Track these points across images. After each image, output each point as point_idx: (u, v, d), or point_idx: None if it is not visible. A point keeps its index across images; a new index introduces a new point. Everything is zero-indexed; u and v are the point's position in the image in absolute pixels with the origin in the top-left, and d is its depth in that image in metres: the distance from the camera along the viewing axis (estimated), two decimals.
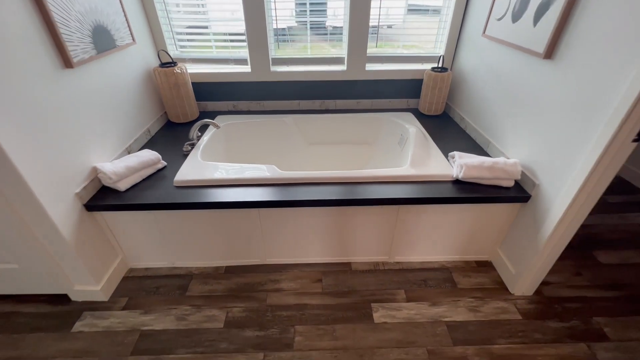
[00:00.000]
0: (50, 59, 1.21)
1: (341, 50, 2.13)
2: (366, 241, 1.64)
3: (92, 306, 1.50)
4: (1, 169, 1.05)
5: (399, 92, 2.26)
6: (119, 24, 1.60)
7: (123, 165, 1.45)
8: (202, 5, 1.99)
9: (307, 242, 1.64)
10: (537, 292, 1.55)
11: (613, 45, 1.02)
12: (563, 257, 1.74)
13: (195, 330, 1.40)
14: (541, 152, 1.34)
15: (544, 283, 1.59)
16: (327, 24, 2.05)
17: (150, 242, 1.59)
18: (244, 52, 2.11)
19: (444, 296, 1.54)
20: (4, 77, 1.03)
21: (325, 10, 2.01)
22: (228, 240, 1.61)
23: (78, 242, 1.35)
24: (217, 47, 2.14)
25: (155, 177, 1.55)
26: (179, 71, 1.94)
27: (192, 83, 2.13)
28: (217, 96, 2.23)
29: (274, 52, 2.12)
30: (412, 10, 2.04)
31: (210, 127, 1.96)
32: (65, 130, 1.27)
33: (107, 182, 1.44)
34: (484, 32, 1.73)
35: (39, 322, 1.43)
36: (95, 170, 1.43)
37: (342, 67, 2.16)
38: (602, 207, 2.12)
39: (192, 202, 1.39)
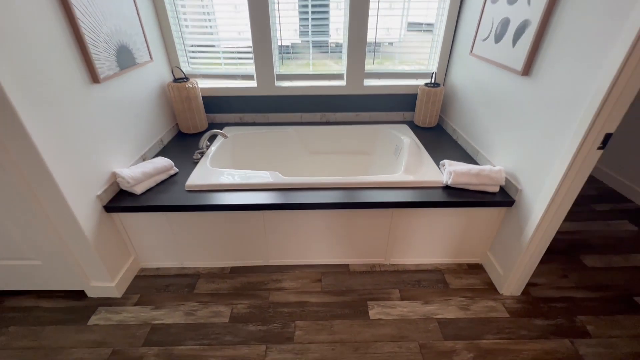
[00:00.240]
0: (81, 75, 1.36)
1: (341, 66, 2.29)
2: (363, 244, 1.75)
3: (107, 302, 1.60)
4: (36, 170, 1.19)
5: (395, 106, 2.41)
6: (139, 44, 1.77)
7: (139, 170, 1.59)
8: (211, 26, 2.17)
9: (307, 244, 1.75)
10: (525, 292, 1.64)
11: (577, 65, 1.16)
12: (550, 260, 1.83)
13: (202, 324, 1.49)
14: (523, 160, 1.46)
15: (532, 284, 1.68)
16: (329, 41, 2.21)
17: (161, 243, 1.71)
18: (250, 69, 2.28)
19: (436, 295, 1.63)
20: (45, 91, 1.18)
21: (327, 31, 2.18)
22: (233, 242, 1.72)
23: (97, 241, 1.47)
24: (225, 63, 2.31)
25: (168, 182, 1.69)
26: (191, 86, 2.10)
27: (202, 97, 2.29)
28: (225, 109, 2.38)
29: (278, 68, 2.29)
30: (411, 28, 2.19)
31: (219, 137, 2.10)
32: (90, 138, 1.42)
33: (124, 186, 1.57)
34: (472, 51, 1.88)
35: (58, 316, 1.54)
36: (114, 174, 1.57)
37: (341, 83, 2.32)
38: (589, 214, 2.22)
39: (201, 204, 1.51)
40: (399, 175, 1.67)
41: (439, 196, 1.56)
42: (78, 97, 1.35)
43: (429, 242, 1.74)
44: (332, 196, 1.56)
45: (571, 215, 2.20)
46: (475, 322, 1.50)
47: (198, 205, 1.52)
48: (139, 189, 1.57)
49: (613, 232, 2.05)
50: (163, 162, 1.70)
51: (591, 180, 2.62)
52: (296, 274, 1.76)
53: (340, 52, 2.24)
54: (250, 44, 2.13)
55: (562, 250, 1.91)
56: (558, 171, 1.23)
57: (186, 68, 2.27)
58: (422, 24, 2.18)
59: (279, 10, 2.06)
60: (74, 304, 1.60)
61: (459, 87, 2.11)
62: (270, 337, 1.44)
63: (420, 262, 1.82)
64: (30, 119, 1.11)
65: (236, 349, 1.39)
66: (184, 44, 2.18)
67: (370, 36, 2.13)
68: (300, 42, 2.23)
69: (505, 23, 1.55)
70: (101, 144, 1.49)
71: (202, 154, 1.93)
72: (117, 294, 1.62)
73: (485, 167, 1.57)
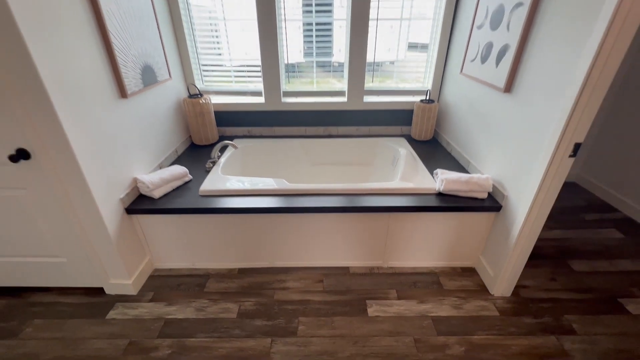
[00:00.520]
0: (112, 91, 1.54)
1: (343, 84, 2.48)
2: (363, 247, 1.87)
3: (123, 298, 1.72)
4: (72, 172, 1.35)
5: (393, 121, 2.58)
6: (160, 64, 1.97)
7: (158, 177, 1.75)
8: (220, 47, 2.38)
9: (310, 248, 1.87)
10: (515, 293, 1.74)
11: (548, 82, 1.32)
12: (540, 265, 1.94)
13: (212, 319, 1.61)
14: (507, 169, 1.61)
15: (522, 286, 1.79)
16: (332, 61, 2.41)
17: (175, 245, 1.84)
18: (259, 86, 2.47)
19: (430, 295, 1.74)
20: (83, 104, 1.35)
21: (330, 52, 2.38)
22: (241, 244, 1.85)
23: (118, 240, 1.61)
24: (236, 81, 2.51)
25: (183, 188, 1.84)
26: (204, 101, 2.29)
27: (214, 111, 2.48)
28: (234, 122, 2.57)
29: (284, 85, 2.48)
30: (408, 49, 2.39)
31: (229, 147, 2.27)
32: (116, 146, 1.58)
33: (144, 191, 1.72)
34: (462, 71, 2.06)
35: (78, 311, 1.66)
36: (135, 180, 1.73)
37: (343, 99, 2.50)
38: (579, 223, 2.33)
39: (214, 207, 1.66)
40: (395, 183, 1.81)
41: (432, 202, 1.70)
42: (109, 109, 1.52)
43: (425, 246, 1.86)
44: (333, 201, 1.70)
45: (562, 224, 2.31)
46: (467, 319, 1.60)
47: (210, 208, 1.66)
48: (157, 194, 1.72)
49: (601, 240, 2.16)
50: (179, 169, 1.86)
51: (581, 191, 2.74)
52: (299, 275, 1.88)
53: (342, 70, 2.44)
54: (258, 62, 2.33)
55: (551, 256, 2.02)
56: (536, 177, 1.37)
57: (200, 85, 2.47)
58: (417, 46, 2.38)
59: (286, 33, 2.27)
60: (93, 300, 1.72)
61: (451, 103, 2.28)
62: (275, 331, 1.54)
63: (417, 265, 1.94)
64: (71, 128, 1.28)
65: (244, 341, 1.50)
66: (198, 63, 2.39)
67: (370, 56, 2.33)
68: (305, 61, 2.43)
69: (489, 46, 1.73)
70: (125, 152, 1.65)
71: (214, 163, 2.09)
72: (133, 291, 1.74)
73: (474, 175, 1.71)
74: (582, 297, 1.73)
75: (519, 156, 1.51)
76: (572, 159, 1.29)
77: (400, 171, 1.92)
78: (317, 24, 2.28)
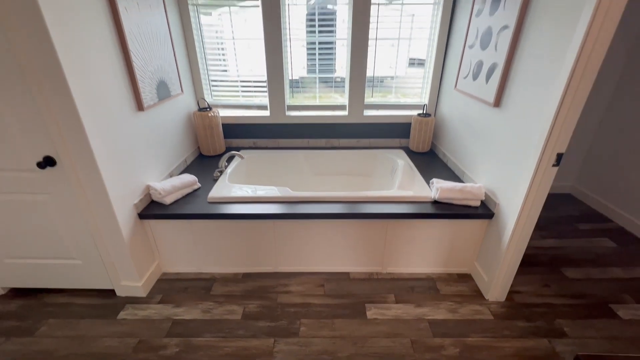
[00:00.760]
0: (130, 104, 1.67)
1: (344, 98, 2.62)
2: (362, 253, 1.95)
3: (133, 300, 1.81)
4: (93, 178, 1.46)
5: (392, 133, 2.69)
6: (174, 80, 2.12)
7: (169, 184, 1.86)
8: (227, 64, 2.53)
9: (312, 254, 1.96)
10: (509, 298, 1.81)
11: (532, 97, 1.43)
12: (534, 272, 2.01)
13: (218, 320, 1.68)
14: (499, 178, 1.70)
15: (516, 292, 1.85)
16: (334, 76, 2.55)
17: (183, 250, 1.93)
18: (264, 100, 2.61)
19: (427, 300, 1.80)
20: (106, 116, 1.48)
21: (332, 69, 2.52)
22: (246, 250, 1.94)
23: (131, 244, 1.70)
24: (243, 95, 2.65)
25: (192, 195, 1.95)
26: (212, 114, 2.43)
27: (222, 124, 2.61)
28: (241, 134, 2.70)
29: (289, 100, 2.62)
30: (410, 64, 2.53)
31: (236, 158, 2.39)
32: (132, 155, 1.70)
33: (156, 197, 1.83)
34: (456, 87, 2.19)
35: (90, 311, 1.74)
36: (147, 187, 1.84)
37: (344, 113, 2.63)
38: (573, 232, 2.40)
39: (221, 213, 1.76)
40: (393, 191, 1.91)
41: (428, 209, 1.79)
42: (127, 121, 1.65)
43: (422, 252, 1.94)
44: (333, 208, 1.79)
45: (556, 233, 2.38)
46: (462, 323, 1.66)
47: (218, 214, 1.77)
48: (168, 200, 1.82)
49: (593, 248, 2.23)
50: (189, 177, 1.97)
51: (576, 202, 2.82)
52: (302, 279, 1.96)
53: (344, 85, 2.58)
54: (264, 78, 2.48)
55: (545, 263, 2.08)
56: (524, 186, 1.47)
57: (209, 99, 2.61)
58: (414, 62, 2.52)
59: (290, 51, 2.42)
60: (105, 301, 1.80)
61: (447, 117, 2.40)
62: (278, 331, 1.62)
63: (414, 271, 2.01)
64: (94, 137, 1.40)
65: (248, 341, 1.57)
66: (208, 78, 2.54)
67: (369, 72, 2.47)
68: (308, 77, 2.57)
69: (479, 64, 1.86)
70: (139, 160, 1.77)
71: (221, 172, 2.20)
72: (143, 293, 1.83)
73: (468, 184, 1.81)
74: (574, 302, 1.79)
75: (508, 166, 1.61)
76: (556, 169, 1.39)
77: (398, 180, 2.03)
78: (319, 43, 2.43)
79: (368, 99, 2.61)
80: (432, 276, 1.98)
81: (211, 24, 2.39)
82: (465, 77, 2.05)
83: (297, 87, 2.61)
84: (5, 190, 1.52)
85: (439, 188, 1.81)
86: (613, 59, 2.42)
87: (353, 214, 1.76)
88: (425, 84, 2.57)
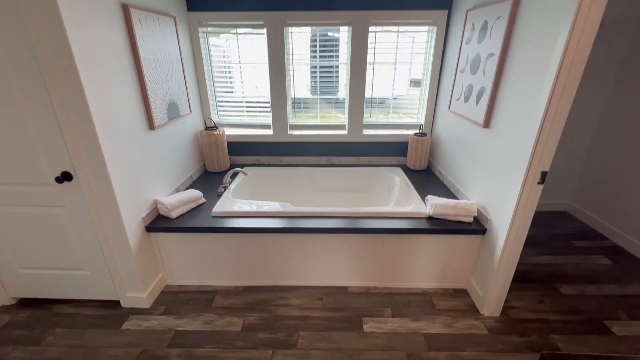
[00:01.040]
0: (142, 124, 1.80)
1: (343, 118, 2.74)
2: (360, 268, 2.01)
3: (137, 311, 1.87)
4: (106, 193, 1.56)
5: (390, 151, 2.80)
6: (183, 101, 2.26)
7: (176, 199, 1.96)
8: (233, 85, 2.68)
9: (311, 268, 2.02)
10: (504, 314, 1.84)
11: (517, 119, 1.53)
12: (529, 288, 2.04)
13: (218, 331, 1.73)
14: (490, 195, 1.78)
15: (511, 307, 1.88)
16: (334, 97, 2.68)
17: (186, 263, 2.00)
18: (268, 119, 2.74)
19: (423, 314, 1.84)
20: (120, 134, 1.59)
21: (332, 90, 2.66)
22: (247, 263, 2.01)
23: (138, 256, 1.78)
24: (248, 115, 2.79)
25: (197, 209, 2.04)
26: (218, 133, 2.55)
27: (227, 142, 2.73)
28: (245, 152, 2.81)
29: (291, 119, 2.75)
30: (402, 89, 2.66)
31: (240, 174, 2.49)
32: (142, 171, 1.81)
33: (163, 211, 1.92)
34: (449, 108, 2.30)
35: (96, 322, 1.80)
36: (155, 202, 1.93)
37: (344, 132, 2.74)
38: (569, 250, 2.43)
39: (225, 227, 1.84)
40: (390, 207, 1.98)
41: (423, 225, 1.86)
42: (139, 139, 1.77)
43: (418, 267, 1.99)
44: (332, 223, 1.87)
45: (552, 250, 2.42)
46: (457, 337, 1.69)
47: (221, 227, 1.85)
48: (174, 214, 1.91)
49: (589, 265, 2.26)
50: (195, 193, 2.07)
51: (572, 219, 2.86)
52: (301, 293, 2.01)
53: (344, 105, 2.70)
54: (268, 98, 2.62)
55: (541, 279, 2.12)
56: (512, 203, 1.54)
57: (215, 118, 2.75)
58: (413, 83, 2.65)
59: (293, 74, 2.57)
60: (110, 312, 1.86)
61: (442, 136, 2.50)
62: (276, 343, 1.66)
63: (411, 286, 2.05)
64: (109, 154, 1.51)
65: (247, 352, 1.61)
66: (215, 99, 2.69)
67: (368, 94, 2.60)
68: (310, 98, 2.71)
69: (470, 88, 1.97)
70: (148, 176, 1.88)
71: (225, 188, 2.30)
72: (147, 304, 1.89)
73: (461, 201, 1.88)
74: (568, 318, 1.82)
75: (498, 184, 1.69)
76: (541, 186, 1.47)
77: (395, 197, 2.10)
78: (321, 66, 2.58)
79: (367, 119, 2.73)
80: (428, 291, 2.02)
81: (219, 45, 2.55)
82: (457, 99, 2.17)
83: (299, 108, 2.74)
84: (23, 203, 1.62)
85: (433, 204, 1.89)
86: (603, 79, 2.54)
87: (351, 228, 1.83)
88: (422, 104, 2.69)
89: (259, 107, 2.74)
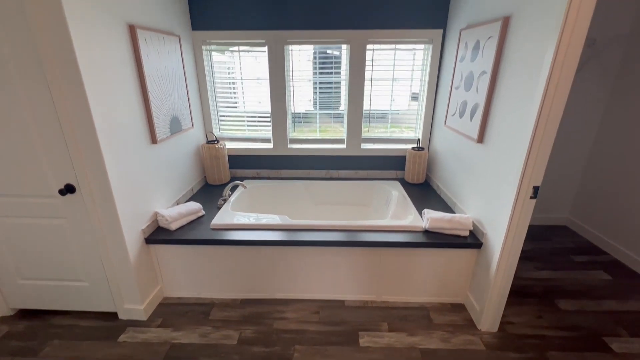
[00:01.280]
0: (145, 138, 1.85)
1: (342, 133, 2.79)
2: (357, 281, 2.01)
3: (134, 323, 1.87)
4: (107, 205, 1.60)
5: (389, 165, 2.83)
6: (185, 115, 2.32)
7: (176, 211, 1.99)
8: (236, 101, 2.75)
9: (308, 281, 2.02)
10: (502, 329, 1.82)
11: (509, 134, 1.56)
12: (528, 303, 2.03)
13: (214, 345, 1.73)
14: (485, 209, 1.80)
15: (509, 322, 1.87)
16: (334, 112, 2.74)
17: (185, 275, 2.02)
18: (268, 133, 2.80)
19: (420, 329, 1.83)
20: (123, 147, 1.65)
21: (331, 105, 2.72)
22: (245, 276, 2.02)
23: (137, 268, 1.80)
24: (249, 129, 2.85)
25: (197, 222, 2.06)
26: (219, 147, 2.61)
27: (228, 155, 2.79)
28: (245, 165, 2.86)
29: (291, 133, 2.80)
30: (400, 104, 2.72)
31: (240, 187, 2.53)
32: (143, 184, 1.85)
33: (162, 223, 1.96)
34: (445, 123, 2.35)
35: (92, 333, 1.81)
36: (155, 214, 1.97)
37: (343, 146, 2.79)
38: (568, 264, 2.42)
39: (223, 239, 1.87)
40: (386, 220, 2.00)
41: (419, 238, 1.87)
42: (141, 153, 1.82)
43: (415, 281, 1.99)
44: (329, 236, 1.89)
45: (551, 265, 2.41)
46: (453, 352, 1.68)
47: (219, 240, 1.87)
48: (173, 226, 1.94)
49: (588, 280, 2.24)
50: (194, 205, 2.10)
51: (571, 234, 2.85)
52: (298, 306, 2.01)
53: (342, 119, 2.76)
54: (269, 112, 2.68)
55: (539, 294, 2.10)
56: (506, 217, 1.56)
57: (217, 132, 2.81)
58: (414, 97, 2.72)
59: (293, 90, 2.64)
60: (107, 324, 1.87)
61: (439, 151, 2.53)
62: (272, 357, 1.65)
63: (408, 300, 2.04)
64: (111, 167, 1.56)
65: None
66: (217, 113, 2.75)
67: (366, 108, 2.66)
68: (309, 112, 2.77)
69: (464, 104, 2.02)
70: (149, 189, 1.92)
71: (225, 200, 2.33)
72: (144, 316, 1.89)
73: (456, 215, 1.90)
74: (567, 334, 1.80)
75: (493, 198, 1.71)
76: (534, 201, 1.49)
77: (392, 210, 2.12)
78: (320, 83, 2.65)
79: (365, 134, 2.78)
80: (425, 305, 2.01)
81: (223, 62, 2.63)
82: (453, 115, 2.21)
83: (299, 122, 2.80)
84: (27, 215, 1.66)
85: (429, 218, 1.91)
86: (597, 95, 2.58)
87: (348, 241, 1.85)
88: (419, 119, 2.74)
89: (260, 121, 2.80)
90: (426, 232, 1.93)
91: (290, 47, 2.51)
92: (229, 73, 2.67)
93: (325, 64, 2.60)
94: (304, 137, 2.82)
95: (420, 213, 2.12)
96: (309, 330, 1.83)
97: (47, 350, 1.70)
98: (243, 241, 1.86)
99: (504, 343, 1.73)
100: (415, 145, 2.73)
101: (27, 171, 1.56)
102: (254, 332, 1.81)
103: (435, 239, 1.85)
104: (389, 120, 2.79)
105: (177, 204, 2.22)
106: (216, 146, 2.59)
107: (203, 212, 2.14)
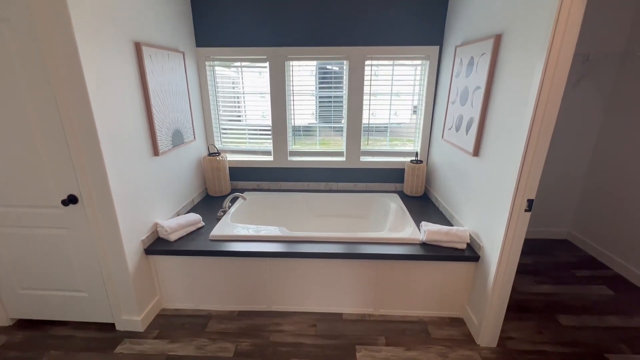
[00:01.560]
0: (147, 150, 1.90)
1: (341, 146, 2.83)
2: (355, 294, 2.00)
3: (131, 335, 1.87)
4: (108, 216, 1.63)
5: (388, 178, 2.85)
6: (187, 128, 2.38)
7: (175, 222, 2.02)
8: (238, 114, 2.81)
9: (306, 293, 2.02)
10: (501, 344, 1.80)
11: (503, 148, 1.59)
12: (528, 318, 2.00)
13: (210, 357, 1.72)
14: (482, 222, 1.80)
15: (508, 338, 1.84)
16: (334, 125, 2.79)
17: (183, 286, 2.02)
18: (269, 146, 2.85)
19: (418, 343, 1.81)
20: (125, 159, 1.69)
21: (331, 119, 2.77)
22: (242, 288, 2.02)
23: (135, 278, 1.82)
24: (250, 142, 2.90)
25: (196, 233, 2.09)
26: (221, 159, 2.65)
27: (229, 167, 2.83)
28: (246, 177, 2.90)
29: (291, 146, 2.85)
30: (397, 118, 2.76)
31: (239, 199, 2.56)
32: (145, 195, 1.89)
33: (162, 234, 1.98)
34: (442, 137, 2.38)
35: (89, 345, 1.81)
36: (155, 224, 2.00)
37: (342, 159, 2.83)
38: (570, 279, 2.39)
39: (222, 250, 1.88)
40: (384, 233, 2.01)
41: (417, 251, 1.87)
42: (143, 165, 1.86)
43: (413, 294, 1.98)
44: (327, 248, 1.90)
45: (552, 279, 2.38)
46: None
47: (217, 251, 1.89)
48: (173, 237, 1.97)
49: (590, 296, 2.21)
50: (194, 217, 2.13)
51: (573, 248, 2.83)
52: (295, 319, 2.00)
53: (342, 132, 2.80)
54: (269, 125, 2.73)
55: (539, 309, 2.07)
56: (501, 230, 1.56)
57: (219, 145, 2.86)
58: (413, 114, 2.76)
59: (293, 104, 2.70)
60: (104, 335, 1.87)
61: (437, 164, 2.56)
62: None
63: (407, 313, 2.03)
64: (113, 179, 1.60)
65: None
66: (219, 127, 2.81)
67: (365, 122, 2.71)
68: (309, 125, 2.82)
69: (460, 118, 2.06)
70: (150, 200, 1.95)
71: (225, 212, 2.36)
72: (141, 328, 1.89)
73: (453, 227, 1.90)
74: (568, 350, 1.77)
75: (489, 211, 1.72)
76: (529, 214, 1.50)
77: (389, 223, 2.13)
78: (320, 97, 2.71)
79: (364, 147, 2.81)
80: (424, 319, 2.00)
81: (227, 77, 2.71)
82: (449, 129, 2.25)
83: (299, 135, 2.85)
84: (29, 225, 1.70)
85: (426, 230, 1.91)
86: (593, 110, 2.61)
87: (345, 254, 1.86)
88: (417, 133, 2.78)
89: (261, 133, 2.85)
90: (424, 244, 1.94)
91: (291, 62, 2.58)
92: (233, 87, 2.74)
93: (324, 79, 2.67)
94: (304, 150, 2.87)
95: (418, 225, 2.12)
96: (305, 343, 1.81)
97: None
98: (241, 252, 1.88)
99: (503, 359, 1.70)
100: (413, 158, 2.76)
101: (31, 182, 1.61)
102: (250, 345, 1.80)
103: (432, 252, 1.85)
104: (388, 133, 2.83)
105: (178, 215, 2.25)
106: (217, 158, 2.63)
107: (202, 224, 2.17)
